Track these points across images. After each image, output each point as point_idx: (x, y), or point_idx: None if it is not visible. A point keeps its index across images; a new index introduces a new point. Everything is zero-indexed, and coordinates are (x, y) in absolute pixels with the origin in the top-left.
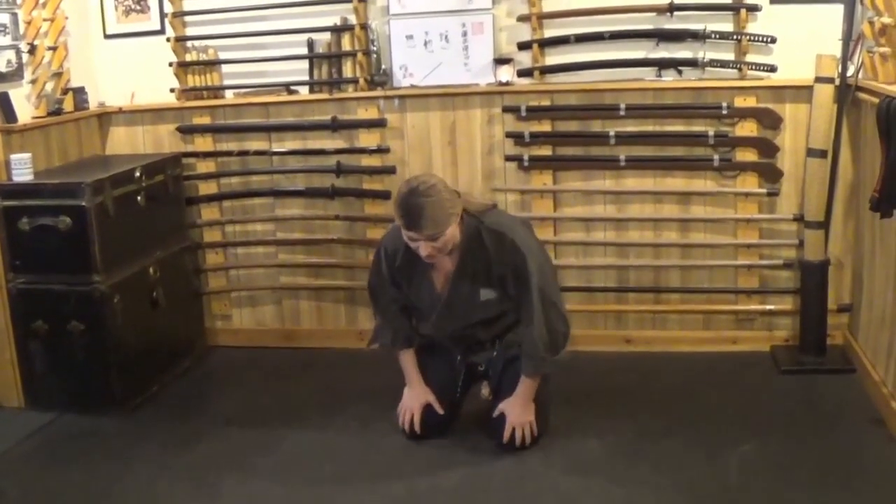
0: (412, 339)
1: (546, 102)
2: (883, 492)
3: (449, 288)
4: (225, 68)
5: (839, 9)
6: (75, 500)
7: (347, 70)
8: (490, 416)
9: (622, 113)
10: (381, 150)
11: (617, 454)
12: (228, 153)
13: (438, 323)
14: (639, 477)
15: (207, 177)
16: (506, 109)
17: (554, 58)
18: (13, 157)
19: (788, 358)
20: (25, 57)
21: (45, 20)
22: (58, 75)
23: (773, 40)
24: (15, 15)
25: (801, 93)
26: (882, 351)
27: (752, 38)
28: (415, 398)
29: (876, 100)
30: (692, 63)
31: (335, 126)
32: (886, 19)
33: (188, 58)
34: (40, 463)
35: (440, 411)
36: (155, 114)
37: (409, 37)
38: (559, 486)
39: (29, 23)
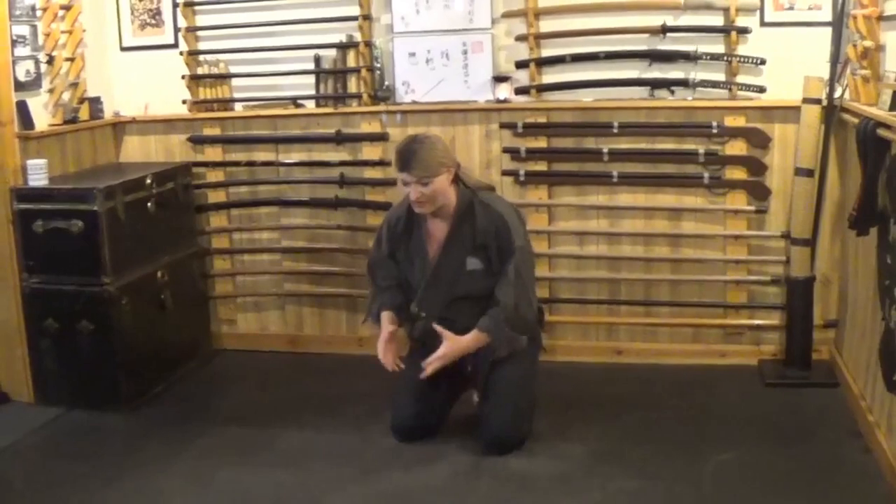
0: (397, 308)
1: (542, 119)
2: (856, 501)
3: (439, 254)
4: (235, 82)
5: (827, 32)
6: (79, 491)
7: (352, 85)
8: (479, 426)
9: (615, 130)
10: (384, 163)
11: (599, 460)
12: (237, 163)
13: (426, 291)
14: (618, 482)
15: (216, 185)
16: (503, 125)
17: (550, 76)
18: (29, 162)
19: (774, 372)
20: (44, 67)
21: (63, 32)
22: (74, 85)
23: (763, 62)
24: (34, 27)
25: (790, 113)
26: (862, 365)
27: (742, 59)
28: (379, 340)
29: (857, 121)
30: (684, 83)
31: (339, 139)
32: (867, 43)
33: (200, 71)
34: (46, 455)
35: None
36: (167, 124)
37: (412, 54)
38: (541, 487)
39: (48, 34)
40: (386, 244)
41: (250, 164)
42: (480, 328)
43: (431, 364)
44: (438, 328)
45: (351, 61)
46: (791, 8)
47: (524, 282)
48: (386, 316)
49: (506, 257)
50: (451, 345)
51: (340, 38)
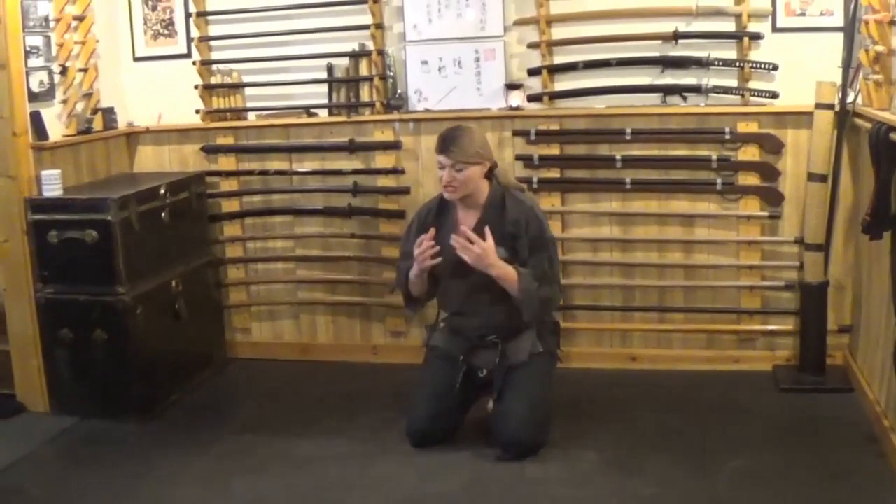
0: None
1: (555, 126)
2: None
3: None
4: (248, 91)
5: (839, 37)
6: (95, 500)
7: (365, 94)
8: (492, 427)
9: (628, 137)
10: (397, 171)
11: (613, 466)
12: (250, 172)
13: (451, 279)
14: (632, 489)
15: (230, 195)
16: (516, 133)
17: (563, 83)
18: (44, 172)
19: (788, 377)
20: (57, 78)
21: (76, 43)
22: (88, 96)
23: (775, 67)
24: (48, 38)
25: (802, 119)
26: (876, 370)
27: (754, 65)
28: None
29: (870, 125)
30: (696, 89)
31: (352, 148)
32: (879, 48)
33: (213, 81)
34: (62, 465)
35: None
36: (181, 134)
37: (424, 62)
38: (555, 495)
39: (61, 45)
40: (416, 235)
41: (264, 173)
42: (519, 273)
43: (466, 236)
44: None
45: (363, 70)
46: (803, 13)
47: (556, 272)
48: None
49: (539, 247)
50: (490, 250)
51: (353, 46)
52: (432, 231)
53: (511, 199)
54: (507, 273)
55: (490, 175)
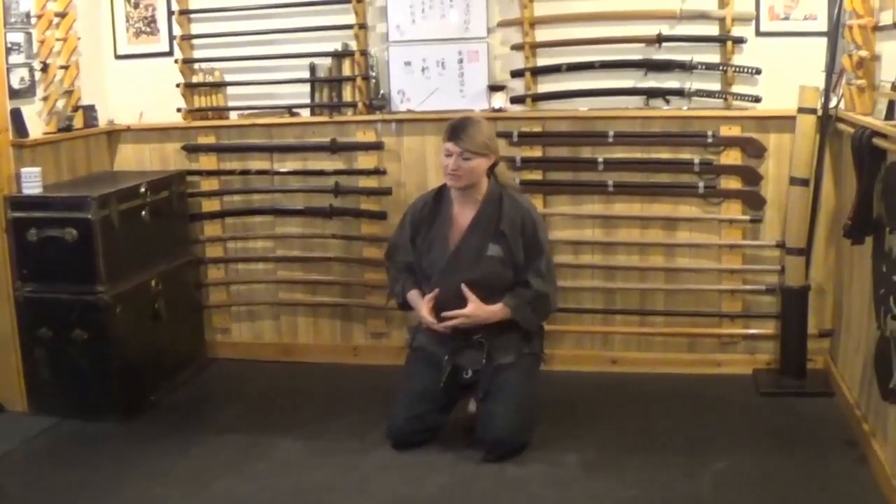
0: (418, 284)
1: (538, 129)
2: None
3: (462, 238)
4: (230, 90)
5: (823, 42)
6: (74, 501)
7: (347, 94)
8: (477, 427)
9: (611, 140)
10: (379, 172)
11: (595, 469)
12: (231, 172)
13: (444, 275)
14: (613, 491)
15: (211, 194)
16: (499, 135)
17: (546, 86)
18: (23, 170)
19: (769, 381)
20: (38, 75)
21: (58, 40)
22: (69, 93)
23: (759, 72)
24: (29, 34)
25: (785, 123)
26: (857, 374)
27: (737, 69)
28: (420, 307)
29: (853, 130)
30: (679, 93)
31: (334, 148)
32: (863, 52)
33: (195, 79)
34: (41, 464)
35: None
36: (162, 132)
37: (407, 63)
38: (536, 496)
39: (42, 42)
40: (409, 227)
41: (245, 172)
42: (506, 303)
43: (455, 320)
44: (465, 290)
45: (346, 70)
46: (787, 18)
47: (553, 278)
48: (415, 293)
49: (535, 253)
50: (476, 308)
51: (336, 46)
52: (431, 306)
53: (508, 198)
54: (501, 313)
55: (490, 172)
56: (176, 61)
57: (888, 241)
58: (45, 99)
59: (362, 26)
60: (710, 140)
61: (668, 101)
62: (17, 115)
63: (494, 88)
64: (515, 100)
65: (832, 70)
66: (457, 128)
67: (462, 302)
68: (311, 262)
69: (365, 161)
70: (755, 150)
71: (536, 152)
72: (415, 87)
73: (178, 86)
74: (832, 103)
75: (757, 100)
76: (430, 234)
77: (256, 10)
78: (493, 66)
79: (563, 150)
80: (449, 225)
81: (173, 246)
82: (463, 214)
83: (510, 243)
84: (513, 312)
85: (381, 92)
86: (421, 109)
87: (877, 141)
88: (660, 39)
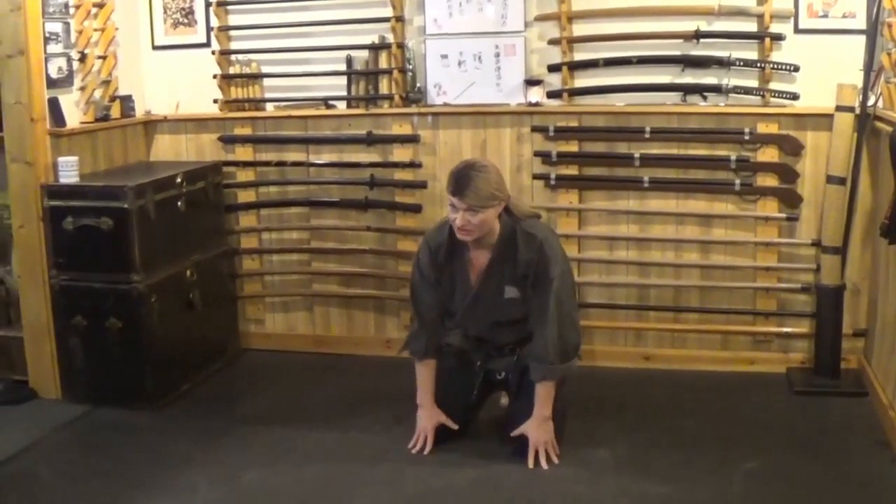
0: (440, 350)
1: (574, 123)
2: None
3: (479, 282)
4: (266, 82)
5: (861, 40)
6: (105, 488)
7: (383, 87)
8: (505, 423)
9: (647, 135)
10: (414, 165)
11: (626, 465)
12: (267, 163)
13: (465, 316)
14: (644, 488)
15: (246, 185)
16: (535, 129)
17: (582, 80)
18: (60, 159)
19: (802, 380)
20: (76, 65)
21: (95, 30)
22: (106, 83)
23: (797, 69)
24: (67, 24)
25: (822, 121)
26: (891, 374)
27: (775, 66)
28: (427, 419)
29: (890, 129)
30: (716, 89)
31: (370, 140)
32: None
33: (232, 71)
34: (73, 451)
35: (454, 427)
36: (198, 123)
37: (444, 56)
38: (566, 492)
39: (80, 32)
40: (430, 272)
41: (280, 164)
42: (536, 379)
43: (531, 456)
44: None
45: (383, 63)
46: (825, 15)
47: (567, 310)
48: (427, 373)
49: (544, 288)
50: (537, 426)
51: (373, 39)
52: (430, 444)
53: (522, 235)
54: (548, 404)
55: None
56: (213, 52)
57: None
58: (82, 89)
59: (399, 19)
60: (746, 137)
61: (705, 98)
62: (54, 105)
63: (531, 83)
64: (552, 94)
65: (870, 68)
66: (460, 181)
67: (489, 333)
68: (345, 254)
69: (401, 154)
70: (792, 147)
71: (572, 147)
72: (451, 81)
73: (214, 77)
74: (870, 102)
75: (794, 97)
76: (453, 273)
77: (294, 2)
78: (530, 61)
79: (599, 145)
80: (468, 267)
81: (208, 236)
82: (479, 256)
83: (526, 284)
84: (554, 382)
85: (418, 85)
86: (457, 103)
87: None
88: (697, 35)
